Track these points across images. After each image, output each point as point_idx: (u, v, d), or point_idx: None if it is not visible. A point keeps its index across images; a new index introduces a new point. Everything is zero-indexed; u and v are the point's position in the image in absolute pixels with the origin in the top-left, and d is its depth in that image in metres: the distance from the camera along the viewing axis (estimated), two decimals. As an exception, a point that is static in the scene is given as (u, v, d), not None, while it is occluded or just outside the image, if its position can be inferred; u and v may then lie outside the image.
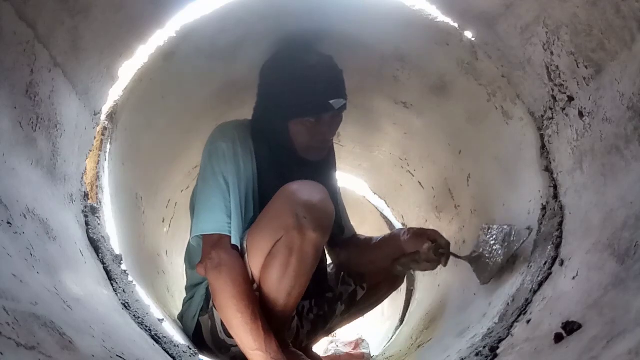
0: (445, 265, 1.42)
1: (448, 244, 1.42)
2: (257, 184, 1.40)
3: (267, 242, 1.26)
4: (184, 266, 1.60)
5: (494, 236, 1.43)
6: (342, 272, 1.69)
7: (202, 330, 1.41)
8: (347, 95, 1.45)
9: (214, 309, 1.36)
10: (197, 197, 1.41)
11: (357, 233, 1.76)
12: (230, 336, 1.32)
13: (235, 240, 1.30)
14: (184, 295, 1.56)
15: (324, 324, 1.63)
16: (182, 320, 1.51)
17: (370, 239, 1.66)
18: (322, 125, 1.41)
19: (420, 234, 1.45)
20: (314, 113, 1.39)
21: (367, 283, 1.68)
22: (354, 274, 1.69)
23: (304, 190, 1.26)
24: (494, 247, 1.41)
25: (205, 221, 1.33)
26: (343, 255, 1.69)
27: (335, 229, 1.56)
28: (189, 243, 1.53)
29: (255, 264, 1.29)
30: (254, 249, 1.29)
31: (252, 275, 1.30)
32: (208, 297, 1.39)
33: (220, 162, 1.36)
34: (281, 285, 1.26)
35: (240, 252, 1.32)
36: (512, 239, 1.38)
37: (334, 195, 1.53)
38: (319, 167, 1.50)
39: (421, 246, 1.41)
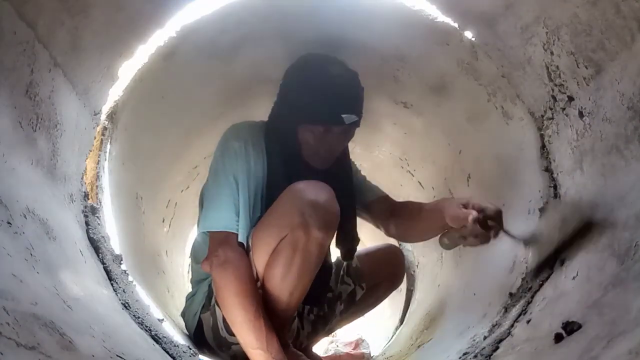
0: (495, 237, 1.20)
1: (499, 212, 1.21)
2: (265, 184, 1.40)
3: (272, 239, 1.26)
4: (185, 265, 1.60)
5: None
6: (342, 272, 1.69)
7: (204, 327, 1.41)
8: (362, 113, 1.44)
9: (215, 306, 1.36)
10: (206, 193, 1.42)
11: (412, 202, 1.64)
12: (231, 334, 1.32)
13: (242, 238, 1.31)
14: (184, 295, 1.56)
15: (324, 325, 1.63)
16: (184, 317, 1.52)
17: (420, 208, 1.51)
18: (330, 137, 1.41)
19: (464, 205, 1.25)
20: (324, 123, 1.39)
21: (366, 283, 1.68)
22: (352, 274, 1.69)
23: (311, 190, 1.26)
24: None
25: (213, 218, 1.33)
26: (393, 228, 1.62)
27: (348, 242, 1.55)
28: (195, 238, 1.53)
29: (259, 262, 1.30)
30: (259, 246, 1.30)
31: (256, 272, 1.31)
32: (210, 294, 1.40)
33: (231, 160, 1.36)
34: (284, 283, 1.26)
35: (246, 250, 1.32)
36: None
37: (349, 200, 1.52)
38: (330, 173, 1.49)
39: (466, 217, 1.19)
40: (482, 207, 1.22)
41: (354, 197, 1.61)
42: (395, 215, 1.60)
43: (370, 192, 1.66)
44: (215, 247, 1.29)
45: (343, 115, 1.37)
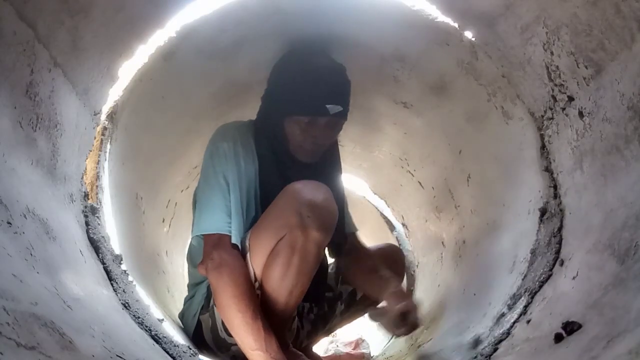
0: (400, 335, 1.41)
1: (415, 325, 1.37)
2: (258, 183, 1.40)
3: (270, 240, 1.26)
4: (185, 265, 1.60)
5: None
6: (341, 275, 1.69)
7: (203, 328, 1.41)
8: (348, 106, 1.43)
9: (214, 307, 1.36)
10: (198, 196, 1.42)
11: (361, 243, 1.71)
12: (230, 335, 1.32)
13: (235, 240, 1.30)
14: (185, 294, 1.56)
15: (324, 324, 1.63)
16: (182, 319, 1.51)
17: (373, 267, 1.59)
18: (315, 128, 1.40)
19: (404, 297, 1.43)
20: (308, 113, 1.38)
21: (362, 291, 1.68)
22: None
23: (308, 190, 1.26)
24: None
25: (205, 221, 1.33)
26: (342, 264, 1.68)
27: (338, 237, 1.56)
28: (190, 242, 1.53)
29: (257, 262, 1.29)
30: (257, 247, 1.29)
31: (254, 273, 1.31)
32: (209, 295, 1.39)
33: (221, 161, 1.36)
34: (283, 283, 1.26)
35: (241, 252, 1.32)
36: None
37: (338, 198, 1.52)
38: (320, 169, 1.49)
39: (396, 305, 1.37)
40: (411, 309, 1.37)
41: (342, 194, 1.62)
42: (349, 256, 1.64)
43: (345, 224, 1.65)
44: (210, 250, 1.29)
45: (327, 106, 1.36)
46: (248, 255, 1.31)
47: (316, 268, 1.29)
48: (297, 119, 1.39)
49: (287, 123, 1.41)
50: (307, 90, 1.37)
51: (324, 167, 1.52)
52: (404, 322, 1.36)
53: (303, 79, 1.38)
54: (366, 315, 1.84)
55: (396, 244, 2.44)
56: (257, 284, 1.31)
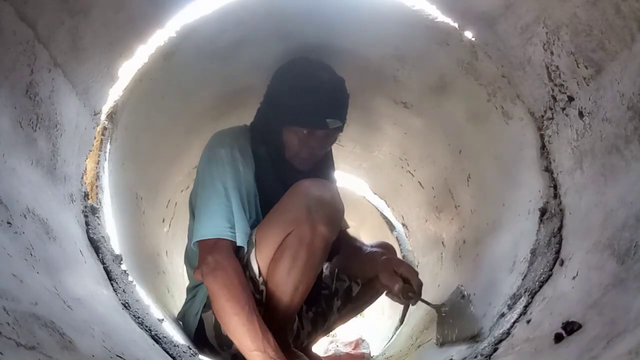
0: (413, 304, 1.44)
1: (420, 285, 1.40)
2: (257, 186, 1.41)
3: (278, 235, 1.28)
4: (184, 267, 1.60)
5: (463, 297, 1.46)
6: (337, 269, 1.70)
7: (205, 326, 1.41)
8: (346, 119, 1.48)
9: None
10: (195, 204, 1.43)
11: (350, 235, 1.75)
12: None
13: (241, 242, 1.31)
14: (184, 295, 1.56)
15: (323, 322, 1.64)
16: (183, 319, 1.51)
17: (359, 249, 1.66)
18: (313, 140, 1.44)
19: (395, 270, 1.43)
20: (308, 125, 1.42)
21: (361, 279, 1.70)
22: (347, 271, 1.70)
23: (316, 187, 1.30)
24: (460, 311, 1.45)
25: (203, 228, 1.33)
26: (338, 261, 1.71)
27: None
28: (187, 246, 1.54)
29: (263, 258, 1.31)
30: (264, 243, 1.31)
31: (259, 269, 1.31)
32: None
33: (218, 167, 1.37)
34: (289, 278, 1.27)
35: (246, 250, 1.33)
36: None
37: None
38: (313, 174, 1.51)
39: (393, 285, 1.40)
40: (408, 278, 1.40)
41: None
42: (344, 252, 1.67)
43: None
44: (205, 254, 1.30)
45: (327, 120, 1.41)
46: (253, 251, 1.32)
47: (322, 264, 1.32)
48: (296, 129, 1.43)
49: (286, 132, 1.44)
50: (309, 103, 1.40)
51: (318, 173, 1.54)
52: (405, 297, 1.40)
53: (307, 91, 1.41)
54: (365, 314, 1.85)
55: (396, 244, 2.44)
56: (261, 280, 1.32)
